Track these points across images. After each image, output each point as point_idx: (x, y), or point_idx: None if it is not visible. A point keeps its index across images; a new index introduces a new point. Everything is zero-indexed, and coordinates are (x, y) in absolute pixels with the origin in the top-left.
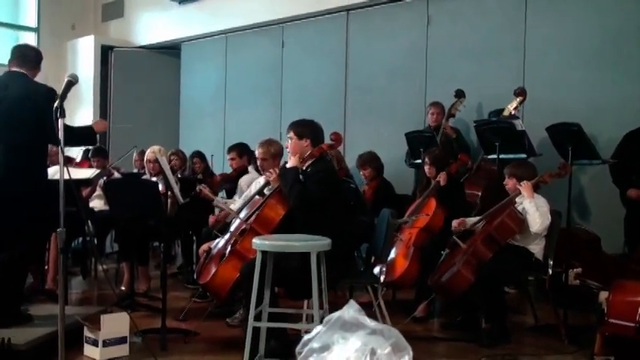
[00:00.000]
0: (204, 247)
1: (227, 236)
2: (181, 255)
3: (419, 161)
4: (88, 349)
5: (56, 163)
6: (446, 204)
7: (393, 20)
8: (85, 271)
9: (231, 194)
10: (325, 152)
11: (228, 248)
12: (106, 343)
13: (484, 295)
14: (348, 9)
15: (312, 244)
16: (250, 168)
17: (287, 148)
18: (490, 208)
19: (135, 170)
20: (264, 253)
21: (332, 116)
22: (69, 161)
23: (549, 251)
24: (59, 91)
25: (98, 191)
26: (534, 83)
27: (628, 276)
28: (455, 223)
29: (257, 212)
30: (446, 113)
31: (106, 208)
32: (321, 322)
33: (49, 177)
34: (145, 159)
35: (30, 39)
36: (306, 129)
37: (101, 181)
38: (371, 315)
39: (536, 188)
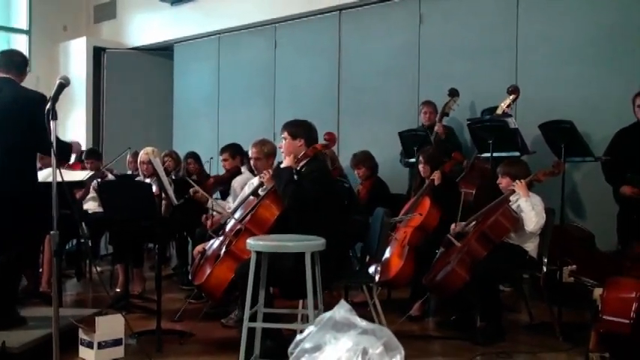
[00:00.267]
0: (199, 248)
1: (222, 237)
2: (176, 256)
3: (413, 160)
4: (83, 352)
5: (49, 165)
6: (440, 203)
7: (386, 19)
8: (79, 273)
9: (225, 196)
10: (319, 152)
11: (223, 249)
12: (101, 345)
13: (479, 294)
14: (340, 8)
15: (306, 244)
16: (243, 169)
17: (281, 148)
18: (484, 207)
19: (129, 172)
20: (258, 253)
21: (325, 116)
22: (62, 163)
23: (543, 249)
24: (51, 93)
25: (92, 193)
26: (527, 81)
27: (622, 273)
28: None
29: (251, 213)
30: (439, 112)
31: (100, 209)
32: None
33: (42, 179)
34: (139, 160)
35: (22, 41)
36: (300, 129)
37: (94, 183)
38: (366, 314)
39: (529, 186)
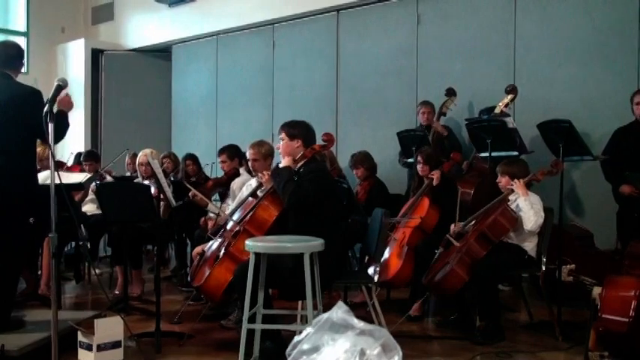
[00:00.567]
0: (198, 249)
1: (220, 238)
2: (175, 258)
3: (411, 160)
4: (82, 354)
5: (47, 167)
6: (439, 203)
7: (383, 19)
8: (78, 276)
9: (224, 198)
10: (318, 153)
11: (222, 250)
12: (100, 348)
13: (478, 293)
14: (338, 9)
15: (305, 245)
16: (242, 170)
17: (278, 149)
18: (482, 207)
19: (127, 174)
20: (257, 254)
21: (324, 116)
22: (60, 166)
23: (542, 248)
24: (48, 95)
25: (91, 195)
26: (525, 81)
27: (621, 272)
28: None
29: (250, 214)
30: (437, 112)
31: (99, 212)
32: None
33: (41, 182)
34: (137, 162)
35: (20, 43)
36: (298, 129)
37: (93, 185)
38: (365, 315)
39: (528, 186)
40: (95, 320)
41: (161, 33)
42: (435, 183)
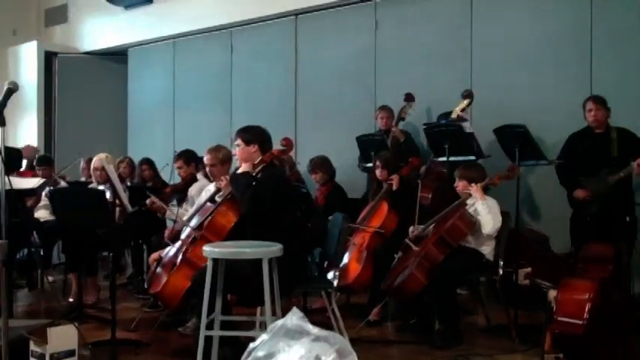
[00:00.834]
0: (155, 255)
1: (178, 244)
2: (131, 264)
3: (370, 165)
4: None
5: None
6: (398, 207)
7: (342, 24)
8: (30, 283)
9: (182, 203)
10: (277, 158)
11: (180, 257)
12: (53, 357)
13: (437, 297)
14: (296, 13)
15: (263, 250)
16: (199, 175)
17: (235, 155)
18: (441, 211)
19: (82, 179)
20: (215, 260)
21: (283, 121)
22: (12, 171)
23: (499, 252)
24: None
25: (45, 201)
26: (482, 86)
27: (575, 274)
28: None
29: (208, 219)
30: (396, 117)
31: (52, 218)
32: None
33: None
34: (92, 167)
35: None
36: (253, 135)
37: (46, 191)
38: (325, 320)
39: (485, 190)
40: (48, 329)
41: (117, 36)
42: (394, 188)
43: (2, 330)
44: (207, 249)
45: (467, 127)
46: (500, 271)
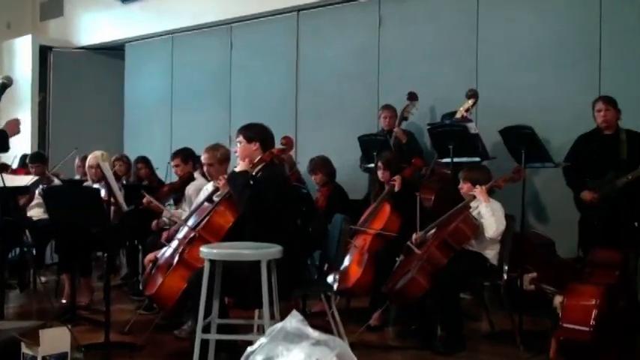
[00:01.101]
0: (151, 256)
1: (174, 245)
2: (126, 265)
3: (372, 165)
4: None
5: None
6: (400, 209)
7: (345, 21)
8: (22, 284)
9: (179, 203)
10: (276, 157)
11: (176, 257)
12: None
13: (439, 302)
14: (298, 9)
15: (262, 252)
16: (197, 174)
17: (236, 152)
18: (443, 213)
19: (77, 177)
20: (212, 261)
21: (283, 119)
22: (4, 168)
23: (504, 256)
24: None
25: (38, 199)
26: (487, 86)
27: (582, 280)
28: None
29: (205, 219)
30: (398, 116)
31: (46, 216)
32: None
33: None
34: (87, 165)
35: None
36: (255, 133)
37: (40, 189)
38: (325, 324)
39: (490, 192)
40: (40, 331)
41: (114, 30)
42: (396, 189)
43: None
44: (204, 250)
45: (472, 127)
46: (505, 276)
